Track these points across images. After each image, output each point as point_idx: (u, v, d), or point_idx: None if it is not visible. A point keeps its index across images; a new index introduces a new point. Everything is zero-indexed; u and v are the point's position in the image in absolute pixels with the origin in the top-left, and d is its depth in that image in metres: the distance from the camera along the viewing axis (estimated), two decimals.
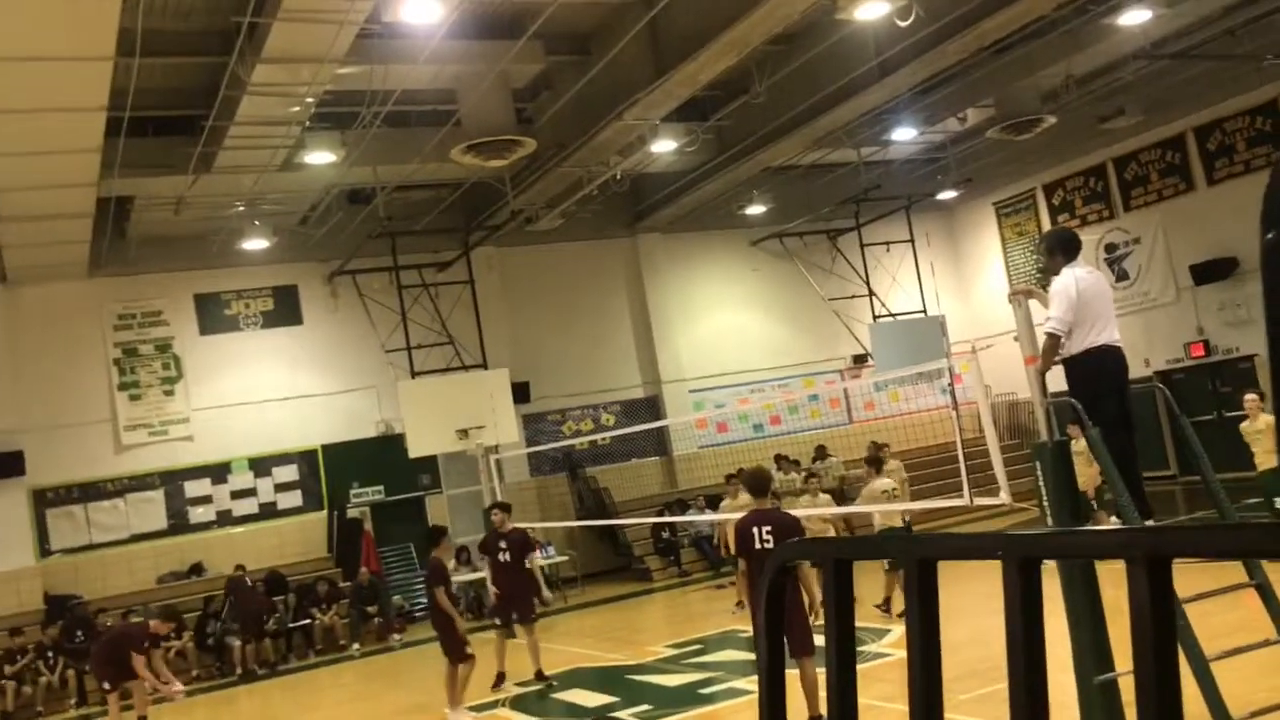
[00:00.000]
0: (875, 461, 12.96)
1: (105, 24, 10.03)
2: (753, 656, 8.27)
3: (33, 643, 15.98)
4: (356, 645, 16.95)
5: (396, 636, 17.17)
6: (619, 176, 18.04)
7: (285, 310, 19.91)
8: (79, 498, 18.09)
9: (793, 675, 7.64)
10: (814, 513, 13.68)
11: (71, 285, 18.13)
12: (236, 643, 16.49)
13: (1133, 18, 15.39)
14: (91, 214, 15.43)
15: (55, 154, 12.74)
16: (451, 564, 14.36)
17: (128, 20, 10.45)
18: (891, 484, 12.83)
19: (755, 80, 15.90)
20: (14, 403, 17.47)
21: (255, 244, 18.86)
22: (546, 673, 11.82)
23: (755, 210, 22.23)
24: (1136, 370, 7.15)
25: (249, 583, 16.80)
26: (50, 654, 15.90)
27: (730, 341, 22.88)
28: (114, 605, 16.84)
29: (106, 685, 11.92)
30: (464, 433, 16.90)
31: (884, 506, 12.26)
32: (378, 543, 19.09)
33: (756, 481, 8.30)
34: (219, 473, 19.02)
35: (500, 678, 11.84)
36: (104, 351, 18.58)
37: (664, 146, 17.47)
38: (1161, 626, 1.25)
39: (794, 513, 13.97)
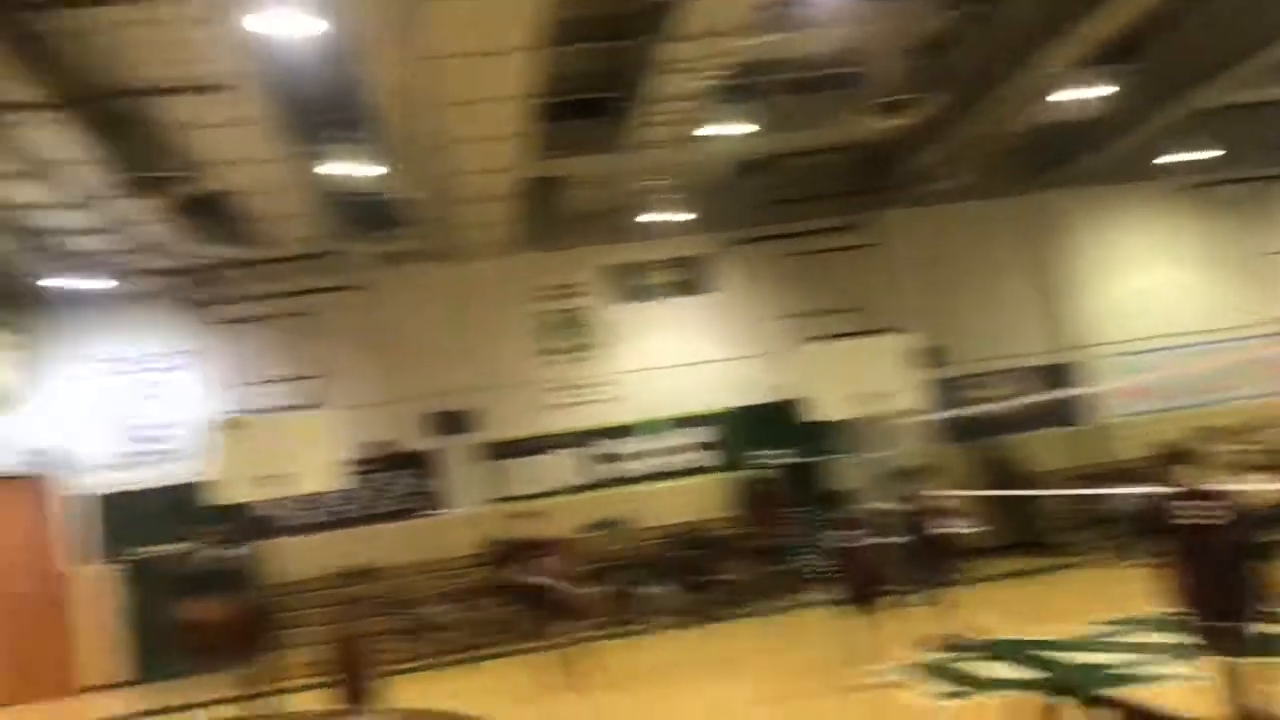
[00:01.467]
0: None
1: (531, 18, 10.90)
2: (1178, 639, 7.66)
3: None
4: (762, 602, 17.42)
5: (799, 597, 17.45)
6: (1027, 130, 17.11)
7: (692, 279, 20.81)
8: (514, 453, 19.96)
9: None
10: None
11: (499, 261, 19.92)
12: (655, 590, 17.55)
13: None
14: (517, 195, 16.80)
15: (487, 140, 13.99)
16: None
17: (549, 14, 11.24)
18: None
19: (1185, 14, 14.49)
20: (463, 366, 19.59)
21: (664, 217, 19.74)
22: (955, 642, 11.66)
23: (1185, 158, 20.26)
24: None
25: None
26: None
27: (1157, 302, 21.08)
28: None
29: None
30: (867, 399, 16.78)
31: None
32: (781, 506, 19.48)
33: (1176, 457, 7.71)
34: (633, 433, 20.24)
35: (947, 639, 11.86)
36: (527, 320, 20.32)
37: (1077, 95, 16.34)
38: None
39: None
